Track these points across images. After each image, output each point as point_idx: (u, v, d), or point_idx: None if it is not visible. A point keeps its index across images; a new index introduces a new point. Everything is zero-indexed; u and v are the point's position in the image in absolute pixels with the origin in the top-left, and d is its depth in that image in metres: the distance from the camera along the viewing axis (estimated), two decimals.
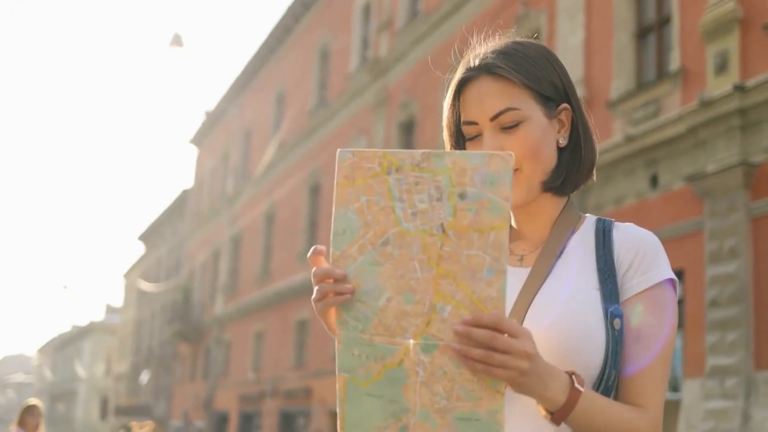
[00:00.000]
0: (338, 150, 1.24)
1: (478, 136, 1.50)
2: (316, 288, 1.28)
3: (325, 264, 1.29)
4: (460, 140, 1.56)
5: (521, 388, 1.25)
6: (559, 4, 15.39)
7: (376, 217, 1.23)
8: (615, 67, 13.71)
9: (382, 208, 1.22)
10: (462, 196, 1.19)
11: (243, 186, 35.33)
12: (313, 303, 1.29)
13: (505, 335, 1.20)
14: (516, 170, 1.47)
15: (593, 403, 1.34)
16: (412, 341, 1.22)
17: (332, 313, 1.29)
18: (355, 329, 1.25)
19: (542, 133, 1.48)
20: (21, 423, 8.15)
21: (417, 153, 1.22)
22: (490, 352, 1.19)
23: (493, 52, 1.50)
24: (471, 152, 1.21)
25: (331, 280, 1.26)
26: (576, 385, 1.31)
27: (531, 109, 1.47)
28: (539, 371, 1.25)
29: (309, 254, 1.31)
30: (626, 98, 13.32)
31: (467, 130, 1.51)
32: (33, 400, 8.43)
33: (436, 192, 1.20)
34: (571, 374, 1.32)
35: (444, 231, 1.20)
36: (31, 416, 8.13)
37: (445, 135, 1.58)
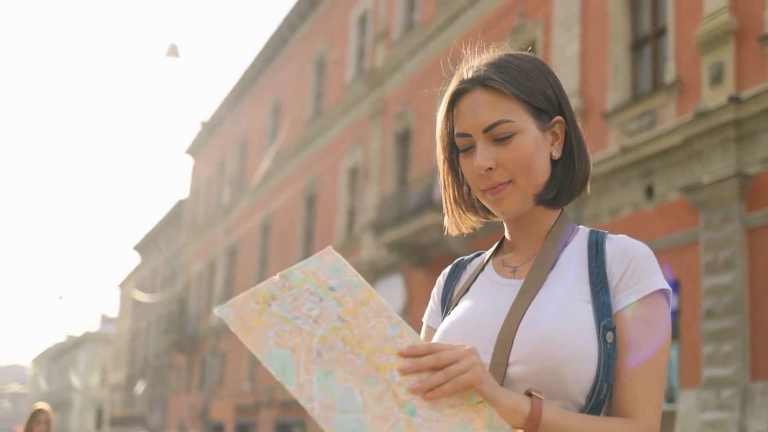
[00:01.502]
0: (216, 309, 1.29)
1: (471, 148, 1.50)
2: None
3: None
4: (453, 152, 1.56)
5: (487, 389, 1.27)
6: (554, 16, 15.44)
7: (294, 340, 1.27)
8: (610, 78, 13.74)
9: (290, 331, 1.27)
10: (332, 288, 1.29)
11: (239, 196, 35.32)
12: None
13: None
14: (509, 182, 1.48)
15: (563, 415, 1.34)
16: (401, 414, 1.26)
17: None
18: None
19: (535, 146, 1.48)
20: (29, 429, 7.16)
21: (276, 279, 1.29)
22: (445, 369, 1.25)
23: (486, 65, 1.51)
24: (306, 261, 1.31)
25: None
26: (534, 393, 1.32)
27: (524, 122, 1.47)
28: (490, 376, 1.30)
29: None
30: (622, 109, 13.35)
31: (460, 142, 1.51)
32: (40, 405, 7.43)
33: (313, 296, 1.28)
34: (528, 390, 1.34)
35: (344, 320, 1.28)
36: (37, 423, 7.16)
37: (438, 147, 1.58)
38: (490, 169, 1.47)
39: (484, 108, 1.47)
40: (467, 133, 1.49)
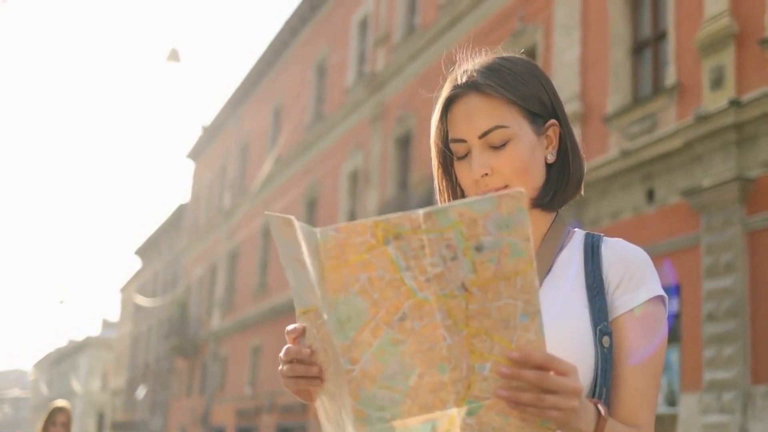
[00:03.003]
0: (319, 229, 1.10)
1: (466, 154, 1.49)
2: (286, 367, 1.30)
3: (296, 343, 1.29)
4: (447, 157, 1.55)
5: (566, 426, 1.20)
6: (555, 20, 15.45)
7: (384, 293, 1.10)
8: (611, 82, 13.75)
9: (388, 282, 1.09)
10: (479, 248, 1.08)
11: (240, 200, 35.33)
12: (281, 378, 1.32)
13: (553, 373, 1.16)
14: (505, 188, 1.46)
15: (615, 430, 1.33)
16: (455, 409, 1.14)
17: (304, 390, 1.33)
18: (382, 420, 1.14)
19: (531, 151, 1.47)
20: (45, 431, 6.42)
21: (416, 215, 1.08)
22: (541, 394, 1.14)
23: (480, 69, 1.49)
24: (477, 199, 1.08)
25: (301, 365, 1.28)
26: (603, 414, 1.29)
27: (519, 127, 1.46)
28: (578, 417, 1.22)
29: (286, 332, 1.30)
30: (622, 113, 13.35)
31: (456, 148, 1.50)
32: (59, 402, 6.62)
33: (449, 251, 1.08)
34: (596, 403, 1.30)
35: (467, 290, 1.10)
36: (52, 425, 6.35)
37: (433, 152, 1.57)
38: (486, 175, 1.46)
39: (479, 113, 1.46)
40: (462, 139, 1.48)
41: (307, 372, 1.27)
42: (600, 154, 13.28)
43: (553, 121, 1.52)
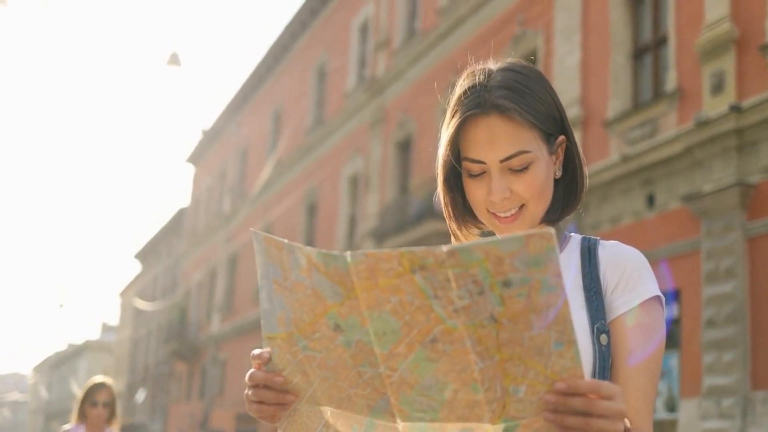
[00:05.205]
0: (348, 252, 1.10)
1: (481, 174, 1.47)
2: (251, 392, 1.30)
3: (262, 370, 1.29)
4: (455, 171, 1.52)
5: None
6: (555, 25, 15.46)
7: (415, 316, 1.10)
8: (611, 87, 13.76)
9: (418, 307, 1.09)
10: (506, 284, 1.05)
11: (240, 204, 35.34)
12: (246, 401, 1.31)
13: (597, 397, 1.14)
14: (522, 206, 1.46)
15: None
16: (490, 426, 1.14)
17: (270, 416, 1.31)
18: (422, 420, 1.16)
19: (547, 172, 1.47)
20: (81, 414, 5.16)
21: (439, 251, 1.06)
22: (588, 418, 1.12)
23: (500, 88, 1.45)
24: (503, 238, 1.04)
25: (270, 391, 1.27)
26: (629, 426, 1.27)
27: (539, 150, 1.45)
28: None
29: (252, 357, 1.30)
30: (623, 118, 13.36)
31: (471, 167, 1.47)
32: (100, 378, 5.36)
33: (475, 286, 1.06)
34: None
35: (496, 320, 1.08)
36: (92, 405, 5.10)
37: (440, 165, 1.54)
38: (505, 198, 1.46)
39: (503, 138, 1.43)
40: (482, 161, 1.46)
41: (278, 399, 1.28)
42: (600, 159, 13.28)
43: (562, 138, 1.51)
